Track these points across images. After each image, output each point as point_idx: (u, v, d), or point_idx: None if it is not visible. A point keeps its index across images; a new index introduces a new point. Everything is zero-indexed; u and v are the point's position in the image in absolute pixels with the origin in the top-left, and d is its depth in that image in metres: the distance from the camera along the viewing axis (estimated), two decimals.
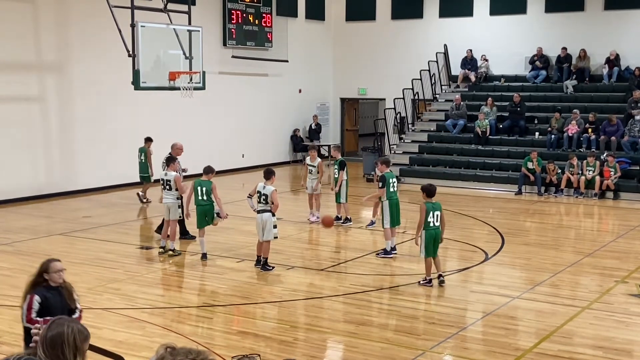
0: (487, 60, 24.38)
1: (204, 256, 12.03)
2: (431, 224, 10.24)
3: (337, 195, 14.87)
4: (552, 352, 7.93)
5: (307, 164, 15.37)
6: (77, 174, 18.86)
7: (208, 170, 12.14)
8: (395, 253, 12.32)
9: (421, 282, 10.52)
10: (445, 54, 25.15)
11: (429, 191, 10.32)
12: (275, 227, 11.23)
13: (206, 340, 8.13)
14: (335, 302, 9.85)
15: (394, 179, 12.42)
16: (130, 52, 13.85)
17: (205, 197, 11.92)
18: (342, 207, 15.00)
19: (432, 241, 10.30)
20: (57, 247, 12.92)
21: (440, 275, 10.54)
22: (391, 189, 12.27)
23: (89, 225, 14.81)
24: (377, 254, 12.38)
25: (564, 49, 22.89)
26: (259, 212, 11.28)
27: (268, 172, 11.45)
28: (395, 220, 12.30)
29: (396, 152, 23.23)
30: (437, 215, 10.26)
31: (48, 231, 14.23)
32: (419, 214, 10.34)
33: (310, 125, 26.57)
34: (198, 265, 11.83)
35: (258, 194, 11.29)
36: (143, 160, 17.28)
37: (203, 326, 8.90)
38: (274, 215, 11.21)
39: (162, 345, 3.42)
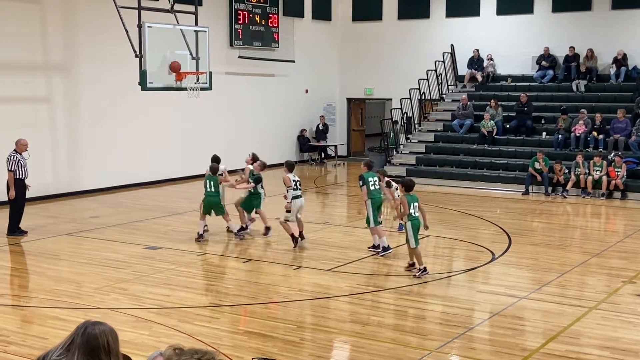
0: (492, 60, 24.34)
1: (200, 236, 13.08)
2: (414, 214, 11.05)
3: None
4: (559, 352, 7.91)
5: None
6: (84, 174, 18.90)
7: (214, 171, 13.36)
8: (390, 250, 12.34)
9: (417, 274, 10.93)
10: (452, 53, 25.11)
11: (408, 185, 11.25)
12: (288, 211, 12.40)
13: (213, 340, 8.14)
14: (341, 302, 9.85)
15: (375, 178, 12.62)
16: (137, 53, 13.85)
17: (212, 189, 13.17)
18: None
19: (417, 230, 11.05)
20: (64, 247, 12.97)
21: (412, 264, 11.23)
22: (371, 188, 12.45)
23: (96, 226, 14.85)
24: (378, 254, 12.39)
25: (571, 48, 22.83)
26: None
27: (290, 164, 12.96)
28: (375, 219, 12.40)
29: (403, 152, 23.22)
30: (416, 206, 11.11)
31: (55, 231, 14.26)
32: (402, 206, 11.11)
33: (318, 126, 26.56)
34: (204, 265, 11.85)
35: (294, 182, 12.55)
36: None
37: (210, 326, 8.91)
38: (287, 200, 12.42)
39: (170, 346, 3.43)
